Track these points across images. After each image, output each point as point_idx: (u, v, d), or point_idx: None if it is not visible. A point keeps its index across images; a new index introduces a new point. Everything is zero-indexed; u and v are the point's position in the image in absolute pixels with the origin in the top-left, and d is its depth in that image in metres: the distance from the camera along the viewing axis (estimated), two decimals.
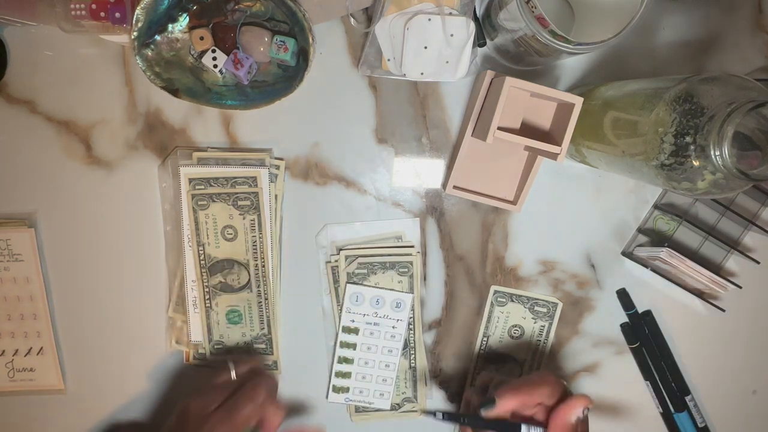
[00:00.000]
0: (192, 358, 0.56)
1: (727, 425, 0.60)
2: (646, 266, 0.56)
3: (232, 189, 0.52)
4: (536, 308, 0.56)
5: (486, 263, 0.56)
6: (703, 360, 0.59)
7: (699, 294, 0.57)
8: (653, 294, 0.58)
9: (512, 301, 0.56)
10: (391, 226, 0.55)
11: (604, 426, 0.59)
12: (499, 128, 0.45)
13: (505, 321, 0.56)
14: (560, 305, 0.56)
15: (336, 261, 0.55)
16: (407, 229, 0.55)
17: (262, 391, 0.48)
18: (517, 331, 0.56)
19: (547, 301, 0.56)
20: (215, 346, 0.55)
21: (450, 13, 0.48)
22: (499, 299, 0.56)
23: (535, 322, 0.56)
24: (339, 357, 0.56)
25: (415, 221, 0.55)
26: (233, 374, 0.50)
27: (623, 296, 0.57)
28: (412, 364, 0.56)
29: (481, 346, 0.56)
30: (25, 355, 0.55)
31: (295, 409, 0.57)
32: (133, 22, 0.44)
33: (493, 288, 0.56)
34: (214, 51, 0.48)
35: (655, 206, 0.56)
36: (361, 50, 0.52)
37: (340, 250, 0.55)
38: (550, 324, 0.56)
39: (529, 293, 0.56)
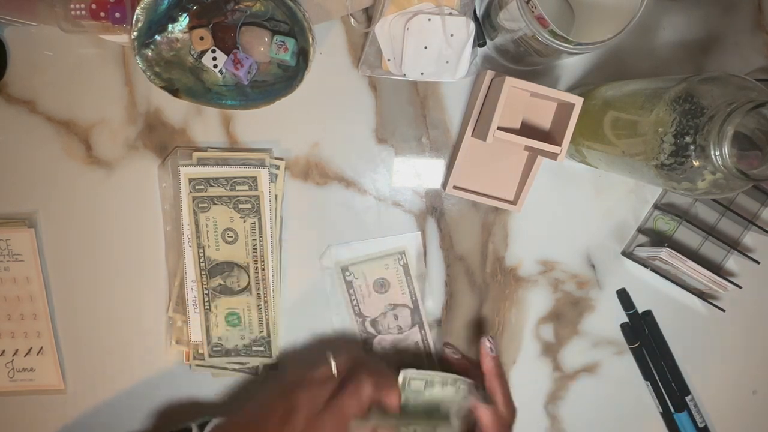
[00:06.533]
0: (192, 357, 0.55)
1: (727, 425, 0.60)
2: (646, 266, 0.56)
3: (232, 191, 0.52)
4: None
5: (486, 263, 0.56)
6: (703, 360, 0.59)
7: (699, 294, 0.57)
8: (653, 294, 0.58)
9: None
10: (392, 242, 0.55)
11: (605, 426, 0.59)
12: (499, 128, 0.45)
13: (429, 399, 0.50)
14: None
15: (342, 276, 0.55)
16: (409, 244, 0.55)
17: (367, 387, 0.46)
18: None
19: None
20: (214, 348, 0.55)
21: (450, 13, 0.48)
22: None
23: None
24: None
25: (416, 235, 0.55)
26: (333, 369, 0.48)
27: (623, 296, 0.57)
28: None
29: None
30: (25, 355, 0.55)
31: None
32: (133, 22, 0.44)
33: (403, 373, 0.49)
34: (214, 51, 0.48)
35: (655, 206, 0.56)
36: (361, 50, 0.52)
37: (344, 270, 0.55)
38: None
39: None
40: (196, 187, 0.52)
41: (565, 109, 0.48)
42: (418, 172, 0.55)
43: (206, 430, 0.47)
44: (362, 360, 0.50)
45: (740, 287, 0.55)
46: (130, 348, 0.56)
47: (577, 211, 0.56)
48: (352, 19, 0.51)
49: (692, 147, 0.36)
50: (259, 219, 0.53)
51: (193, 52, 0.49)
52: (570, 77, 0.54)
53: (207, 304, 0.54)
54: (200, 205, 0.52)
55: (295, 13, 0.45)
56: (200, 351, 0.55)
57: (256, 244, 0.53)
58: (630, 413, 0.59)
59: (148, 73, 0.47)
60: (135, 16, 0.44)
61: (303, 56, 0.48)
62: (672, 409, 0.58)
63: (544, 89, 0.46)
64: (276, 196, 0.53)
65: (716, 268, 0.57)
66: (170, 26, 0.48)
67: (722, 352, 0.59)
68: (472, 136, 0.51)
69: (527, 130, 0.51)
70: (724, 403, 0.60)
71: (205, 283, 0.54)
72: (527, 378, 0.58)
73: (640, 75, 0.54)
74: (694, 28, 0.54)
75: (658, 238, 0.56)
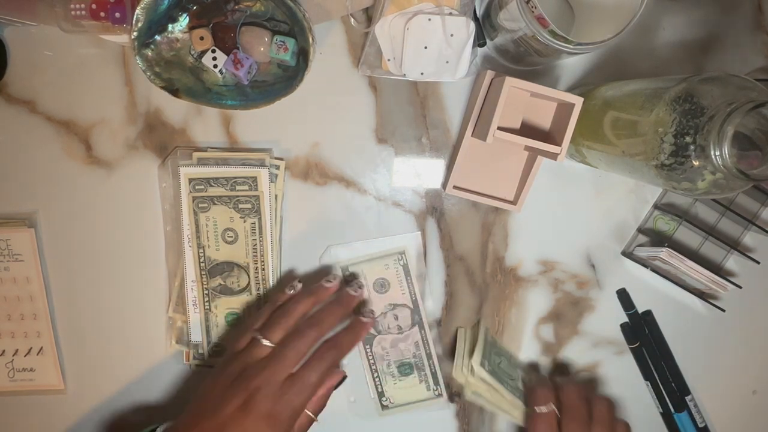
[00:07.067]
0: (192, 358, 0.55)
1: (727, 425, 0.60)
2: (646, 266, 0.56)
3: (232, 191, 0.52)
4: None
5: (486, 263, 0.56)
6: (703, 360, 0.59)
7: (699, 294, 0.57)
8: (653, 294, 0.58)
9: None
10: (392, 242, 0.55)
11: None
12: (499, 128, 0.45)
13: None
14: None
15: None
16: (409, 244, 0.55)
17: (306, 341, 0.48)
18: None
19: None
20: (213, 348, 0.55)
21: (450, 13, 0.48)
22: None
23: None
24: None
25: (416, 235, 0.55)
26: (266, 343, 0.48)
27: (623, 296, 0.57)
28: (428, 351, 0.57)
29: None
30: (25, 355, 0.55)
31: None
32: (133, 22, 0.44)
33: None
34: (214, 51, 0.48)
35: (655, 206, 0.56)
36: (361, 50, 0.52)
37: (344, 270, 0.55)
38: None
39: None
40: (196, 187, 0.52)
41: (565, 109, 0.48)
42: (418, 172, 0.55)
43: None
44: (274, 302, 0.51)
45: (740, 287, 0.55)
46: (130, 348, 0.56)
47: (577, 211, 0.56)
48: (352, 19, 0.51)
49: (692, 147, 0.36)
50: (259, 219, 0.53)
51: (193, 52, 0.49)
52: (570, 77, 0.54)
53: (207, 304, 0.54)
54: (200, 205, 0.52)
55: (295, 13, 0.45)
56: (200, 351, 0.55)
57: (256, 244, 0.53)
58: (630, 413, 0.59)
59: (148, 73, 0.47)
60: (135, 16, 0.44)
61: (303, 56, 0.48)
62: (672, 409, 0.58)
63: (544, 89, 0.46)
64: (276, 196, 0.53)
65: (716, 268, 0.57)
66: (170, 26, 0.48)
67: (722, 352, 0.59)
68: (472, 136, 0.51)
69: (527, 130, 0.51)
70: (724, 403, 0.60)
71: (205, 283, 0.54)
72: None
73: (640, 75, 0.54)
74: (694, 28, 0.54)
75: (658, 238, 0.56)
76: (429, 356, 0.57)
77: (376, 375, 0.57)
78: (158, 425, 0.48)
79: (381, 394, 0.57)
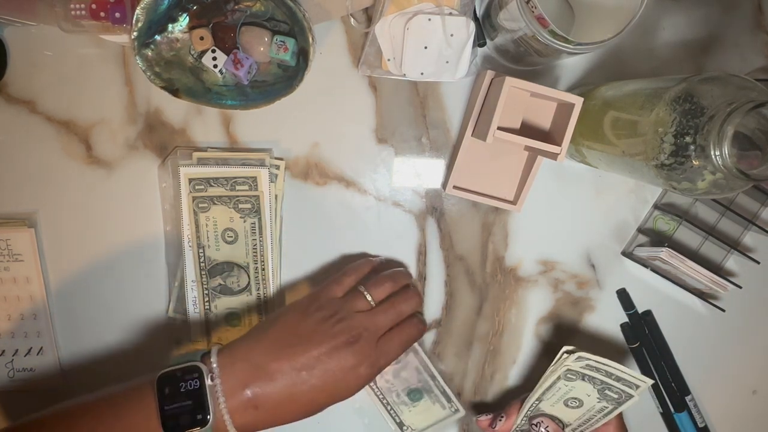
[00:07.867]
0: None
1: (727, 425, 0.60)
2: (646, 266, 0.56)
3: (232, 191, 0.52)
4: (606, 392, 0.49)
5: (486, 263, 0.56)
6: (703, 360, 0.59)
7: (699, 294, 0.57)
8: (653, 294, 0.58)
9: (583, 379, 0.48)
10: None
11: None
12: (499, 128, 0.45)
13: (565, 393, 0.50)
14: (635, 398, 0.49)
15: None
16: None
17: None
18: (574, 403, 0.51)
19: (627, 384, 0.48)
20: None
21: (450, 13, 0.48)
22: (569, 375, 0.48)
23: (599, 402, 0.50)
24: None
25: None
26: (369, 297, 0.49)
27: (623, 296, 0.57)
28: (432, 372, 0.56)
29: (530, 408, 0.51)
30: (25, 355, 0.55)
31: None
32: (133, 22, 0.44)
33: (566, 366, 0.47)
34: (214, 51, 0.48)
35: (655, 206, 0.56)
36: (361, 50, 0.52)
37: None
38: (614, 408, 0.50)
39: (612, 370, 0.48)
40: (196, 187, 0.52)
41: (565, 109, 0.48)
42: (418, 172, 0.55)
43: (212, 359, 0.44)
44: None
45: (740, 287, 0.55)
46: (130, 348, 0.56)
47: (577, 211, 0.56)
48: (352, 19, 0.51)
49: (692, 147, 0.36)
50: (259, 219, 0.53)
51: (193, 52, 0.49)
52: (570, 77, 0.54)
53: (207, 304, 0.54)
54: (200, 205, 0.52)
55: (295, 13, 0.45)
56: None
57: (256, 244, 0.53)
58: (630, 413, 0.59)
59: (148, 73, 0.47)
60: (135, 16, 0.44)
61: (303, 56, 0.48)
62: (672, 409, 0.58)
63: (544, 89, 0.46)
64: (276, 196, 0.53)
65: (716, 268, 0.57)
66: (170, 26, 0.48)
67: (722, 352, 0.59)
68: (472, 136, 0.51)
69: (527, 130, 0.51)
70: (724, 403, 0.60)
71: (205, 283, 0.54)
72: (527, 378, 0.58)
73: (640, 75, 0.54)
74: (694, 28, 0.54)
75: (658, 238, 0.56)
76: (433, 377, 0.56)
77: (389, 408, 0.56)
78: (204, 350, 0.46)
79: (401, 425, 0.57)
